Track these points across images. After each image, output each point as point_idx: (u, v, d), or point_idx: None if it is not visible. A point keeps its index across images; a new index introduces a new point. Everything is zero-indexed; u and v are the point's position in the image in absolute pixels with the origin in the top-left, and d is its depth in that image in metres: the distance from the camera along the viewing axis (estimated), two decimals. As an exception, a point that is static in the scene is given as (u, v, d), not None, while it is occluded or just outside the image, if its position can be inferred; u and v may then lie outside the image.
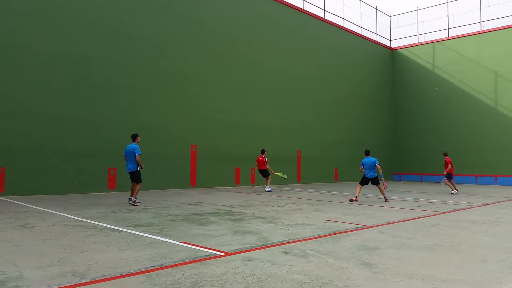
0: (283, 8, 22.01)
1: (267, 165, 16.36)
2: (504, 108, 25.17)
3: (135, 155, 10.60)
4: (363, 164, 12.75)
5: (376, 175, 12.70)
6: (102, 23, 14.68)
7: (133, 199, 10.51)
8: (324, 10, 25.13)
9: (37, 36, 13.14)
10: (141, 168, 10.78)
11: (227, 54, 18.88)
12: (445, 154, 17.61)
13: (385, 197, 12.70)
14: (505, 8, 25.90)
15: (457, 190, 16.74)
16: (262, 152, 16.61)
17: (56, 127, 13.37)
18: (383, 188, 12.81)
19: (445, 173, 16.85)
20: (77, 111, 13.88)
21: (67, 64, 13.76)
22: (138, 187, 10.70)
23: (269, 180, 16.45)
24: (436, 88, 15.15)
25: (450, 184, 16.64)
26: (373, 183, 12.73)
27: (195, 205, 10.76)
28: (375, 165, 12.56)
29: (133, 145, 10.75)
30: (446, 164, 17.02)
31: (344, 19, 26.72)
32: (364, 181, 12.77)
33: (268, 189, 16.15)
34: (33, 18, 13.08)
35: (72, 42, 13.89)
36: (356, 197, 12.64)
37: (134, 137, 10.93)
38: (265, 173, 16.45)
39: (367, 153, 12.96)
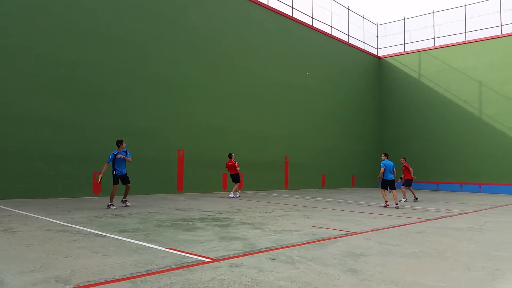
0: (272, 15, 22.14)
1: (238, 169, 15.72)
2: (488, 118, 25.62)
3: (124, 159, 10.91)
4: (384, 165, 12.99)
5: (394, 178, 13.17)
6: (90, 26, 14.57)
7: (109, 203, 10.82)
8: (313, 18, 25.35)
9: (23, 38, 12.98)
10: (98, 177, 10.97)
11: (216, 59, 18.89)
12: (404, 159, 17.20)
13: (396, 203, 12.99)
14: (489, 19, 26.46)
15: (415, 199, 16.52)
16: (230, 156, 15.91)
17: (41, 130, 13.18)
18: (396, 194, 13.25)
19: (403, 179, 16.85)
20: (63, 114, 13.71)
21: (54, 66, 13.60)
22: (112, 190, 10.83)
23: (237, 186, 15.73)
24: (307, 73, 14.32)
25: (406, 190, 16.60)
26: (390, 187, 13.02)
27: (182, 210, 10.68)
28: (394, 169, 13.21)
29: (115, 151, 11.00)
30: (406, 170, 16.85)
31: (332, 27, 26.98)
32: (385, 184, 13.07)
33: (232, 195, 15.45)
34: (21, 20, 12.92)
35: (59, 45, 13.75)
36: (386, 201, 13.19)
37: (118, 143, 11.04)
38: (236, 178, 15.80)
39: (387, 156, 13.37)
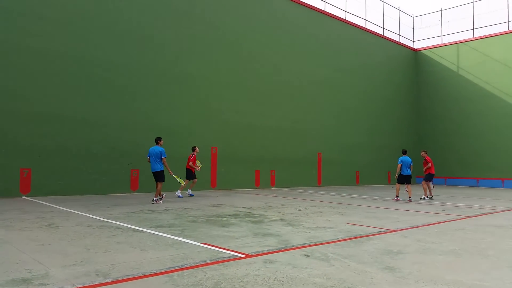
0: (304, 10, 21.93)
1: (191, 164, 13.74)
2: (532, 110, 24.43)
3: (161, 157, 11.29)
4: (401, 161, 13.64)
5: (411, 173, 13.78)
6: (125, 28, 14.93)
7: (155, 199, 11.31)
8: (346, 12, 24.94)
9: (62, 41, 13.44)
10: (170, 173, 11.71)
11: (248, 56, 18.92)
12: (425, 152, 15.24)
13: (410, 197, 13.63)
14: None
15: (431, 196, 14.71)
16: (193, 149, 14.02)
17: (80, 129, 13.65)
18: (411, 189, 13.82)
19: (424, 173, 15.03)
20: (100, 114, 14.15)
21: (91, 68, 14.03)
22: (159, 186, 11.32)
23: (185, 184, 13.56)
24: (217, 196, 12.25)
25: (426, 186, 14.79)
26: (407, 182, 13.66)
27: (216, 206, 10.80)
28: (411, 165, 13.78)
29: (157, 147, 11.40)
30: (426, 163, 15.04)
31: (366, 20, 26.45)
32: (402, 180, 13.73)
33: (179, 194, 13.54)
34: (56, 22, 13.38)
35: (95, 46, 14.17)
36: (397, 196, 13.90)
37: (157, 140, 11.60)
38: (189, 175, 13.86)
39: (405, 153, 14.03)
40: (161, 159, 11.26)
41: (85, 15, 14.02)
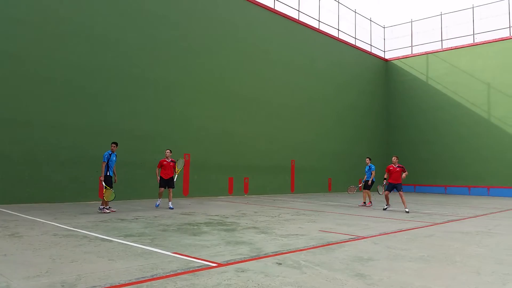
0: (278, 19, 22.13)
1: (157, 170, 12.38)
2: (497, 120, 25.37)
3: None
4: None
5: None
6: (98, 31, 14.64)
7: (101, 207, 10.77)
8: (319, 21, 25.31)
9: (31, 43, 13.06)
10: (99, 178, 10.94)
11: (222, 63, 18.90)
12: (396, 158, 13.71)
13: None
14: (497, 21, 26.28)
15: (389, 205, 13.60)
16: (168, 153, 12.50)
17: (48, 135, 13.25)
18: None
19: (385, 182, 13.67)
20: (70, 118, 13.78)
21: (61, 71, 13.68)
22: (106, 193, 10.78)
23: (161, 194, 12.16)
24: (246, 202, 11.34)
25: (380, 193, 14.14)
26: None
27: (188, 215, 10.66)
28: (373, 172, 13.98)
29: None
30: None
31: (339, 30, 26.91)
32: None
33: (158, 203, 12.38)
34: (27, 24, 13.01)
35: (66, 49, 13.82)
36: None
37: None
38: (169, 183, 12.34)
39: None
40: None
41: (57, 18, 13.68)
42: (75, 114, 13.93)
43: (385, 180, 13.33)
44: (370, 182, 14.68)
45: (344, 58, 26.83)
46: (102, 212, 10.52)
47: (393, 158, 13.50)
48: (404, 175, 12.91)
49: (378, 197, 18.56)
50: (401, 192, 13.00)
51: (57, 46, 13.66)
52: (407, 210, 12.64)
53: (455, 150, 26.78)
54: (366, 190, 14.74)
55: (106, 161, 10.83)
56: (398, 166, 13.09)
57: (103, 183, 10.76)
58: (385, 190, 13.36)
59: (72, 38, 14.02)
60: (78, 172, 13.78)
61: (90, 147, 14.08)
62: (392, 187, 13.06)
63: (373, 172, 14.77)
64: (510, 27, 25.68)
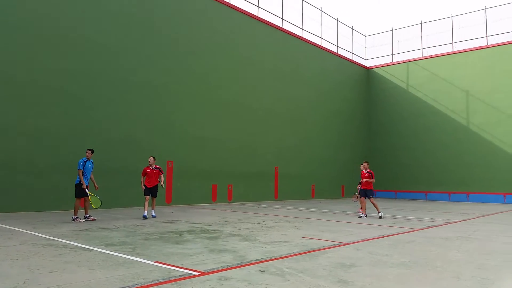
0: (262, 26, 22.27)
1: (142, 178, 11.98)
2: (476, 127, 25.93)
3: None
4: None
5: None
6: (78, 34, 14.45)
7: (74, 217, 10.46)
8: (302, 29, 25.54)
9: (7, 46, 12.83)
10: (83, 186, 10.59)
11: (206, 69, 18.88)
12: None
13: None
14: (475, 30, 26.96)
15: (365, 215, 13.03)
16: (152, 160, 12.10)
17: (26, 141, 12.97)
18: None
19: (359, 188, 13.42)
20: (48, 124, 13.51)
21: (38, 76, 13.44)
22: (76, 202, 10.55)
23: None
24: (172, 212, 11.50)
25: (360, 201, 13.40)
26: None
27: (170, 223, 10.57)
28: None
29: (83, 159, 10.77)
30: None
31: (321, 38, 27.20)
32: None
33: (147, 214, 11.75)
34: (5, 26, 12.80)
35: (44, 53, 13.59)
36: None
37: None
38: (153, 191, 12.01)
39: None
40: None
41: (37, 20, 13.48)
42: (55, 119, 13.67)
43: (359, 185, 13.32)
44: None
45: (326, 65, 27.12)
46: (76, 222, 10.23)
47: (364, 164, 13.35)
48: (369, 180, 12.80)
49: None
50: (371, 199, 12.87)
51: (35, 50, 13.41)
52: (380, 215, 12.74)
53: (436, 157, 27.24)
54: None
55: (82, 168, 10.59)
56: (367, 172, 13.02)
57: (87, 190, 10.55)
58: (359, 196, 13.34)
59: (51, 42, 13.80)
60: (58, 179, 13.51)
61: (69, 154, 13.79)
62: (363, 193, 13.04)
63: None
64: (487, 36, 26.37)
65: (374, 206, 12.85)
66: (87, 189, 10.66)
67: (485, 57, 25.99)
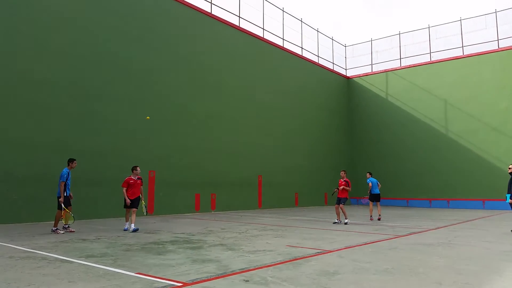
0: (243, 36, 22.39)
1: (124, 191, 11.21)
2: (454, 135, 26.46)
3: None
4: (371, 182, 15.20)
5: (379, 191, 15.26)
6: (54, 46, 14.28)
7: (53, 228, 10.25)
8: (283, 39, 25.78)
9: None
10: (60, 200, 10.32)
11: (187, 78, 18.83)
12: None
13: (380, 215, 15.03)
14: (452, 41, 27.65)
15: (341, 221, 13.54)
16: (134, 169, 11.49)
17: (3, 151, 12.67)
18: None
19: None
20: (27, 134, 13.25)
21: (17, 85, 13.20)
22: (57, 213, 10.31)
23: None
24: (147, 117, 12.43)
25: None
26: (377, 200, 15.20)
27: (152, 233, 10.42)
28: (378, 184, 15.43)
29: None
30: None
31: (302, 48, 27.49)
32: (373, 198, 15.16)
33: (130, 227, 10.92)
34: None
35: (24, 64, 13.37)
36: (371, 216, 15.10)
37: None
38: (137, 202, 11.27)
39: (371, 174, 15.89)
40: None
41: (15, 29, 13.25)
42: (33, 129, 13.39)
43: (336, 189, 14.01)
44: (368, 193, 15.44)
45: (307, 75, 27.39)
46: (55, 233, 10.02)
47: (341, 172, 14.11)
48: (346, 188, 13.49)
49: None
50: (341, 205, 13.44)
51: (13, 60, 13.19)
52: (346, 221, 13.28)
53: (416, 164, 27.66)
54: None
55: (64, 180, 10.33)
56: (344, 181, 13.63)
57: (62, 205, 10.28)
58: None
59: (28, 52, 13.59)
60: (37, 190, 13.20)
61: (49, 165, 13.52)
62: (338, 200, 13.63)
63: (370, 184, 15.36)
64: (462, 46, 27.06)
65: (343, 212, 13.38)
66: (71, 199, 10.50)
67: (461, 66, 26.65)
